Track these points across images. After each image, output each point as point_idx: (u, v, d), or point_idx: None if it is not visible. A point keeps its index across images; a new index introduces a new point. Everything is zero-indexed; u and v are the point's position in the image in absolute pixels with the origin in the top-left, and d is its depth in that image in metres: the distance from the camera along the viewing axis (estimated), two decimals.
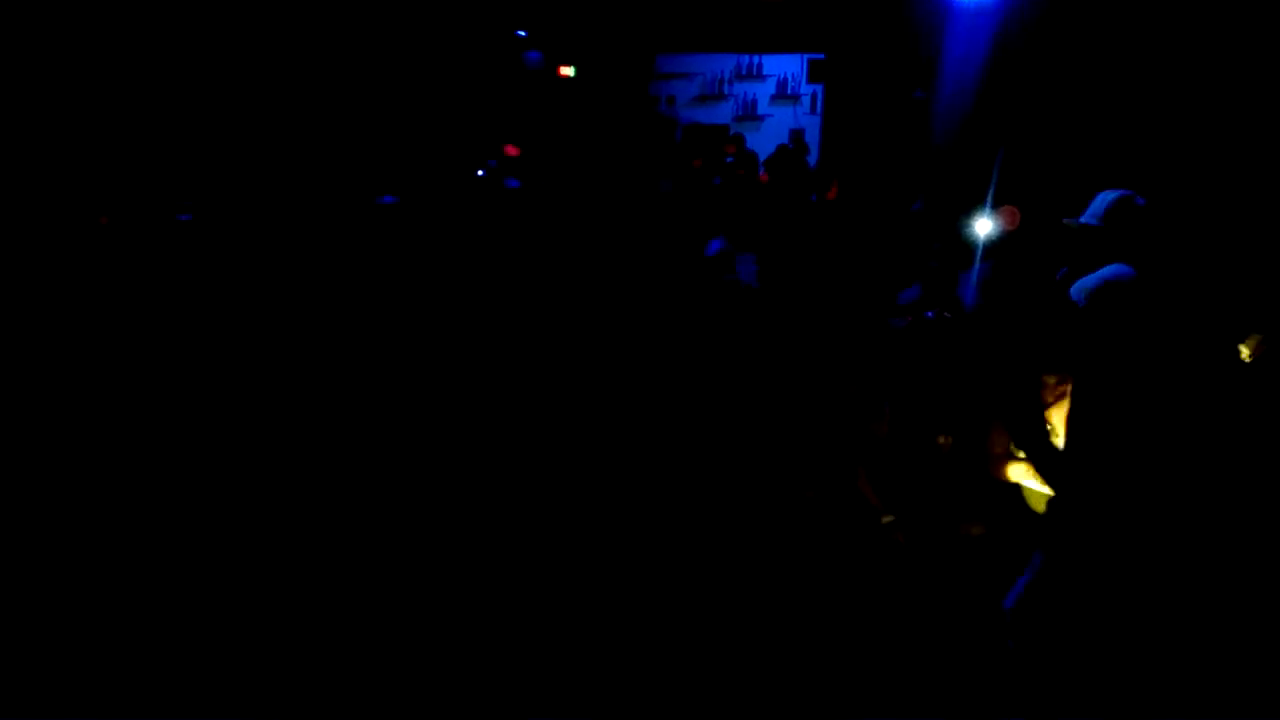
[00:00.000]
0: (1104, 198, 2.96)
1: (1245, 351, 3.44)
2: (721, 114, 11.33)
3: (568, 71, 10.88)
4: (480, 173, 8.06)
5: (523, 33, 10.55)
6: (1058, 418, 3.47)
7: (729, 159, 8.36)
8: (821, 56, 10.63)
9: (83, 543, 3.69)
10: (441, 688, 3.05)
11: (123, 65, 6.27)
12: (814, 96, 10.99)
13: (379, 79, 8.32)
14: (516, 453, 4.46)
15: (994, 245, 4.73)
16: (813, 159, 10.16)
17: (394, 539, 3.83)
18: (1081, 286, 2.84)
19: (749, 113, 11.29)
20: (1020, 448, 3.50)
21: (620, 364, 4.83)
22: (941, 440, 3.74)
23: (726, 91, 11.42)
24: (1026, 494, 3.52)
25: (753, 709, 3.05)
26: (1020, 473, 3.55)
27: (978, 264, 4.63)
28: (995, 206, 4.83)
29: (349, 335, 5.42)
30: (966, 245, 4.71)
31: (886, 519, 3.70)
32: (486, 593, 3.52)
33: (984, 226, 4.73)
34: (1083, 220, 2.98)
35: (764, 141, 9.89)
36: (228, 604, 3.36)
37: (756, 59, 11.24)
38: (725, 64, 11.35)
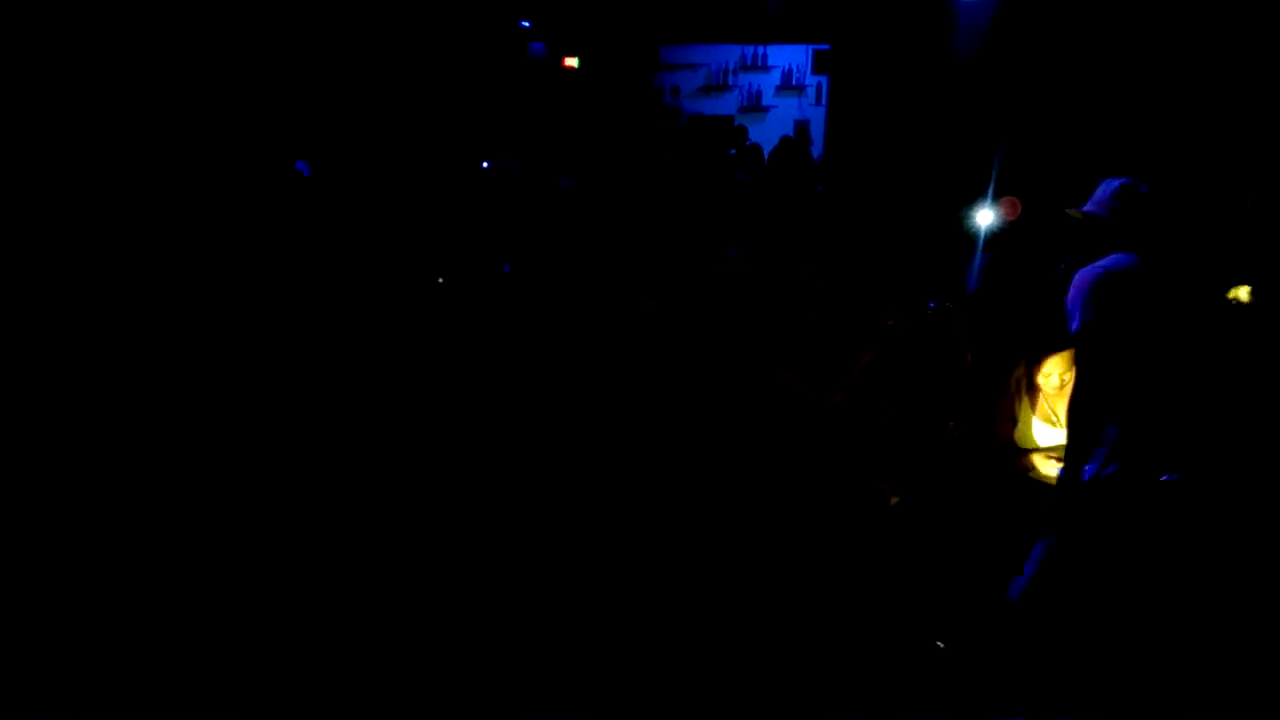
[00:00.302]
0: (1107, 186, 2.95)
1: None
2: (726, 105, 11.28)
3: (572, 63, 10.85)
4: (486, 164, 8.05)
5: (527, 24, 10.52)
6: (1061, 407, 3.46)
7: (731, 151, 8.34)
8: (827, 47, 10.59)
9: (83, 539, 3.70)
10: (442, 688, 3.05)
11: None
12: (819, 87, 10.95)
13: (383, 70, 8.30)
14: (515, 449, 4.45)
15: (997, 235, 4.73)
16: (817, 150, 10.13)
17: (393, 539, 3.83)
18: (1084, 275, 2.83)
19: (754, 104, 11.25)
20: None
21: (617, 354, 4.82)
22: (950, 426, 3.74)
23: (731, 82, 11.38)
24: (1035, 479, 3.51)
25: (751, 706, 3.04)
26: (1030, 462, 3.55)
27: (980, 254, 4.63)
28: (998, 196, 4.83)
29: (343, 330, 5.41)
30: (969, 236, 4.71)
31: (894, 500, 3.70)
32: (486, 592, 3.52)
33: (986, 217, 4.73)
34: (1086, 209, 2.97)
35: (769, 133, 9.85)
36: (227, 603, 3.36)
37: (761, 50, 11.19)
38: (730, 55, 11.31)
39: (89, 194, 5.54)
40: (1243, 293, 4.06)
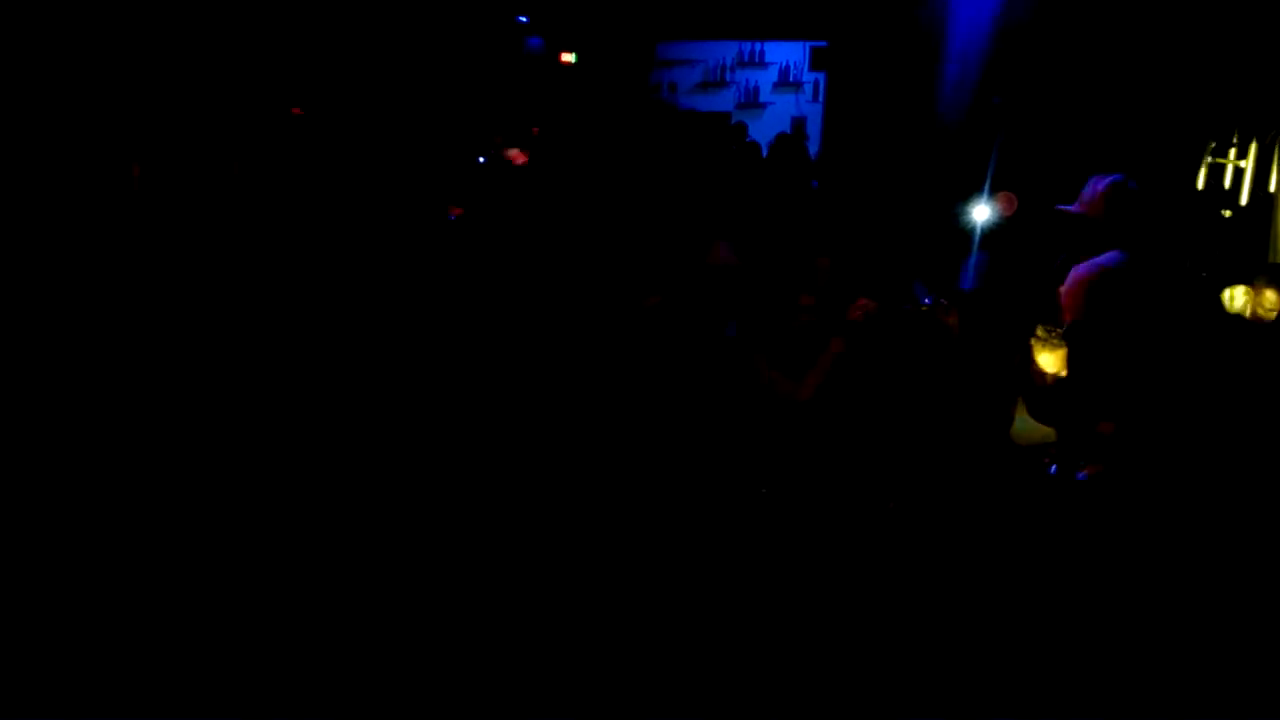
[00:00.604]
0: (1095, 183, 2.96)
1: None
2: (723, 101, 11.29)
3: (569, 58, 10.85)
4: (481, 159, 8.03)
5: (524, 19, 10.52)
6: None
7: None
8: (824, 44, 10.59)
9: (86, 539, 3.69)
10: (441, 687, 3.04)
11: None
12: (816, 84, 10.95)
13: (378, 67, 8.29)
14: (513, 451, 4.44)
15: (993, 231, 4.73)
16: (814, 147, 10.14)
17: (391, 539, 3.82)
18: (1079, 272, 2.85)
19: (751, 100, 11.25)
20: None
21: (610, 352, 4.80)
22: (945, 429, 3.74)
23: (728, 79, 11.38)
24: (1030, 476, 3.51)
25: (750, 707, 3.04)
26: (1025, 458, 3.55)
27: (976, 251, 4.63)
28: (994, 193, 4.83)
29: (339, 330, 5.40)
30: (966, 232, 4.71)
31: (891, 505, 3.70)
32: (485, 593, 3.51)
33: (983, 213, 4.73)
34: (1076, 207, 2.99)
35: (766, 129, 9.87)
36: (227, 603, 3.36)
37: (759, 46, 11.19)
38: (727, 51, 11.30)
39: (90, 192, 5.55)
40: (1239, 292, 4.06)
